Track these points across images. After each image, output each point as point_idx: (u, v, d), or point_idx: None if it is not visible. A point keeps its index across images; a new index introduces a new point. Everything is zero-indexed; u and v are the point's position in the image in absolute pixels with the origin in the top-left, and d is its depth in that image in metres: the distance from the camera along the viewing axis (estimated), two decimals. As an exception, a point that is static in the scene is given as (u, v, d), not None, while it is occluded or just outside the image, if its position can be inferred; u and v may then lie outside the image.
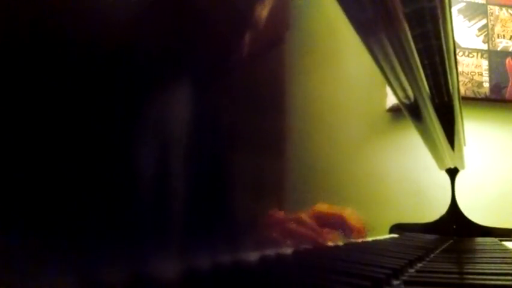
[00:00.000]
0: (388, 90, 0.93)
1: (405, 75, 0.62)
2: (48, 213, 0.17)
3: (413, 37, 0.55)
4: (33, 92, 0.16)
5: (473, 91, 1.70)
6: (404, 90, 0.68)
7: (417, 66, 0.61)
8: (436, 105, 0.78)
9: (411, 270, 0.47)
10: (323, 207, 0.55)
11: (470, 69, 1.72)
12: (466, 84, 1.70)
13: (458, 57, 1.62)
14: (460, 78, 1.66)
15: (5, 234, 0.16)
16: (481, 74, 1.72)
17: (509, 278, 0.42)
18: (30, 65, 0.16)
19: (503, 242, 1.04)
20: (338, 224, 0.59)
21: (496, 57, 1.73)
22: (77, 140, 0.18)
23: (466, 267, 0.54)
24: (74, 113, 0.18)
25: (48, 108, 0.17)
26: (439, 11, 0.53)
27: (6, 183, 0.16)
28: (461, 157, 1.21)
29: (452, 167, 1.28)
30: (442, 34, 0.57)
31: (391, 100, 1.37)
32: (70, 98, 0.18)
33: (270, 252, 0.35)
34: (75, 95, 0.18)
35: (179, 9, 0.25)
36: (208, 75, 0.27)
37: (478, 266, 0.52)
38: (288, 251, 0.41)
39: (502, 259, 0.61)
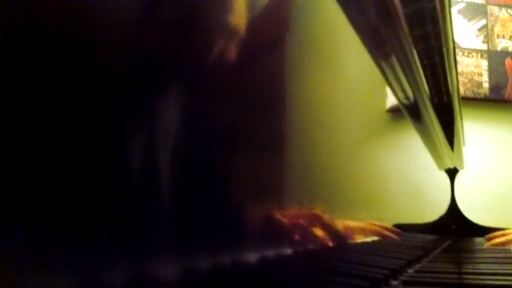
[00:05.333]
0: (388, 90, 0.93)
1: (405, 75, 0.62)
2: (48, 213, 0.17)
3: (413, 37, 0.55)
4: (25, 92, 0.16)
5: (473, 91, 1.71)
6: (403, 90, 0.68)
7: (417, 67, 0.61)
8: (436, 106, 0.78)
9: (411, 271, 0.47)
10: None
11: (470, 69, 1.72)
12: (465, 85, 1.70)
13: (457, 57, 1.62)
14: (460, 78, 1.66)
15: (5, 233, 0.16)
16: (480, 74, 1.72)
17: (509, 278, 0.42)
18: (25, 64, 0.16)
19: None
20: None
21: (495, 58, 1.73)
22: (77, 140, 0.19)
23: (465, 267, 0.54)
24: (72, 114, 0.18)
25: (43, 107, 0.17)
26: (439, 12, 0.53)
27: (5, 183, 0.16)
28: (460, 157, 1.21)
29: (452, 167, 1.28)
30: (442, 34, 0.57)
31: (391, 100, 1.37)
32: (64, 98, 0.18)
33: (272, 251, 0.35)
34: (68, 94, 0.18)
35: (189, 15, 0.25)
36: (199, 77, 0.27)
37: (478, 266, 0.52)
38: (288, 251, 0.41)
39: (501, 259, 0.61)
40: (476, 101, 1.70)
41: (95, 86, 0.19)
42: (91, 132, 0.19)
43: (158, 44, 0.23)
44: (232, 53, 0.30)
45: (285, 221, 0.40)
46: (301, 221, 0.46)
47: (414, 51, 0.57)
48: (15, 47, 0.16)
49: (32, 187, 0.16)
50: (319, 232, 0.50)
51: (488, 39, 1.74)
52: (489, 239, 1.06)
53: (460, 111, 0.89)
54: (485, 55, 1.73)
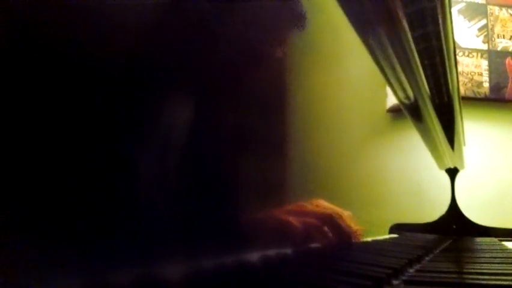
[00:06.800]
0: (388, 90, 0.93)
1: (406, 75, 0.62)
2: (53, 215, 0.17)
3: (413, 37, 0.55)
4: (39, 95, 0.17)
5: (473, 91, 1.71)
6: (404, 90, 0.69)
7: (417, 67, 0.61)
8: (436, 105, 0.78)
9: (411, 270, 0.47)
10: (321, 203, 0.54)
11: (470, 69, 1.72)
12: (465, 84, 1.70)
13: (458, 57, 1.62)
14: (460, 78, 1.66)
15: (9, 235, 0.16)
16: (480, 74, 1.72)
17: (509, 278, 0.42)
18: (37, 67, 0.16)
19: (503, 242, 1.04)
20: (332, 223, 0.55)
21: (495, 57, 1.73)
22: (83, 143, 0.19)
23: (465, 267, 0.54)
24: (80, 116, 0.18)
25: (56, 111, 0.17)
26: (439, 12, 0.53)
27: (11, 185, 0.16)
28: (460, 157, 1.21)
29: (452, 167, 1.28)
30: (442, 34, 0.58)
31: (391, 100, 1.37)
32: (77, 102, 0.18)
33: (274, 250, 0.35)
34: (82, 98, 0.18)
35: (194, 20, 0.26)
36: (213, 84, 0.28)
37: (478, 266, 0.52)
38: (289, 250, 0.41)
39: (502, 259, 0.61)
40: (477, 101, 1.70)
41: (107, 89, 0.19)
42: (99, 134, 0.19)
43: (168, 49, 0.23)
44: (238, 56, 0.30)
45: (295, 222, 0.40)
46: (315, 220, 0.46)
47: (415, 51, 0.57)
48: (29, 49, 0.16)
49: (39, 188, 0.16)
50: (331, 233, 0.50)
51: (488, 39, 1.74)
52: None
53: (461, 111, 0.89)
54: (485, 55, 1.73)
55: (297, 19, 0.43)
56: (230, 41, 0.30)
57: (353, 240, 0.62)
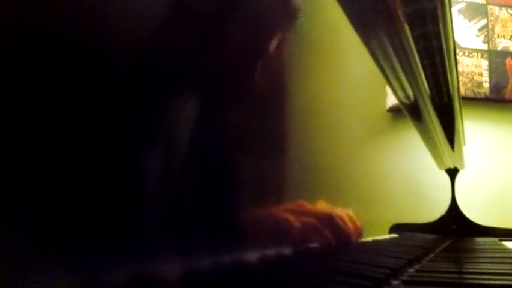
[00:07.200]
0: (388, 90, 0.93)
1: (406, 75, 0.62)
2: (50, 214, 0.17)
3: (413, 37, 0.55)
4: (42, 95, 0.17)
5: (473, 91, 1.71)
6: (404, 90, 0.69)
7: (417, 66, 0.61)
8: (436, 105, 0.78)
9: (411, 270, 0.47)
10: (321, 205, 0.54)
11: (470, 69, 1.72)
12: (465, 84, 1.70)
13: (458, 57, 1.62)
14: (460, 78, 1.66)
15: (6, 234, 0.16)
16: (480, 74, 1.72)
17: (509, 278, 0.42)
18: (41, 67, 0.16)
19: (503, 242, 1.04)
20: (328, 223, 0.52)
21: (496, 57, 1.73)
22: (81, 141, 0.19)
23: (465, 267, 0.54)
24: (81, 114, 0.18)
25: (57, 110, 0.17)
26: (439, 11, 0.53)
27: (9, 183, 0.16)
28: (460, 157, 1.21)
29: (452, 167, 1.28)
30: (442, 34, 0.57)
31: (391, 100, 1.37)
32: (80, 101, 0.18)
33: (273, 250, 0.35)
34: (85, 97, 0.18)
35: (196, 22, 0.26)
36: (215, 84, 0.28)
37: (478, 266, 0.52)
38: (288, 250, 0.41)
39: (501, 259, 0.61)
40: (477, 101, 1.70)
41: (106, 88, 0.19)
42: (97, 133, 0.19)
43: (168, 47, 0.23)
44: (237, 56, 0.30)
45: (294, 221, 0.40)
46: (314, 220, 0.46)
47: (415, 51, 0.57)
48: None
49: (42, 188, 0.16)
50: (330, 234, 0.50)
51: (488, 39, 1.74)
52: None
53: (460, 111, 0.89)
54: (485, 55, 1.73)
55: (290, 11, 0.42)
56: (229, 38, 0.30)
57: (354, 240, 0.61)
